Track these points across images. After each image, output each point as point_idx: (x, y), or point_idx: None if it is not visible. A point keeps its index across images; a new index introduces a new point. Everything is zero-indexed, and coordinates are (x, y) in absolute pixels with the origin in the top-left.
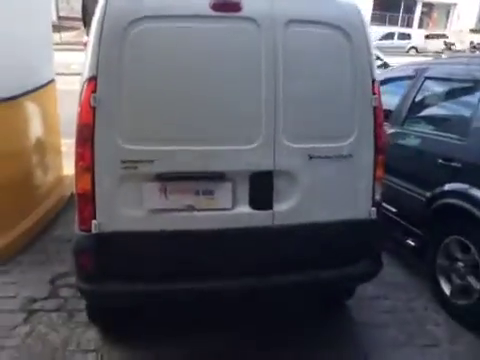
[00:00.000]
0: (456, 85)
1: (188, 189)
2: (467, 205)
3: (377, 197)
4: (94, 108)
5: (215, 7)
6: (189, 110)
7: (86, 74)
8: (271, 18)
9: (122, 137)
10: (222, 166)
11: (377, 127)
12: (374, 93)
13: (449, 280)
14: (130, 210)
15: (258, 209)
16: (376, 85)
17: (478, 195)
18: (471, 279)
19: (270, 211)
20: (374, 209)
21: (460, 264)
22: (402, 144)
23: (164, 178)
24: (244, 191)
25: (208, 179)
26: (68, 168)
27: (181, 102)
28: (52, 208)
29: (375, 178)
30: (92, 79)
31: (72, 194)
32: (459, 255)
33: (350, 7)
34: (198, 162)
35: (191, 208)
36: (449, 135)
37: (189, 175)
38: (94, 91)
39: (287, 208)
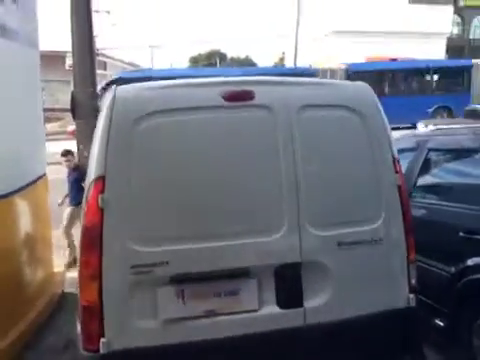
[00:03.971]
0: (465, 155)
1: (208, 291)
2: None
3: (413, 281)
4: (102, 209)
5: (228, 98)
6: (204, 204)
7: (93, 174)
8: (284, 104)
9: (133, 239)
10: (245, 261)
11: (404, 207)
12: (396, 172)
13: None
14: (144, 322)
15: (287, 308)
16: (397, 164)
17: None
18: None
19: (301, 309)
20: (412, 296)
21: None
22: (416, 217)
23: (181, 281)
24: (270, 288)
25: (230, 278)
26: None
27: (195, 197)
28: (44, 310)
29: (409, 261)
30: (100, 179)
31: (63, 292)
32: None
33: (363, 88)
34: (218, 259)
35: (212, 313)
36: (470, 207)
37: (209, 275)
38: (102, 191)
39: (319, 304)
